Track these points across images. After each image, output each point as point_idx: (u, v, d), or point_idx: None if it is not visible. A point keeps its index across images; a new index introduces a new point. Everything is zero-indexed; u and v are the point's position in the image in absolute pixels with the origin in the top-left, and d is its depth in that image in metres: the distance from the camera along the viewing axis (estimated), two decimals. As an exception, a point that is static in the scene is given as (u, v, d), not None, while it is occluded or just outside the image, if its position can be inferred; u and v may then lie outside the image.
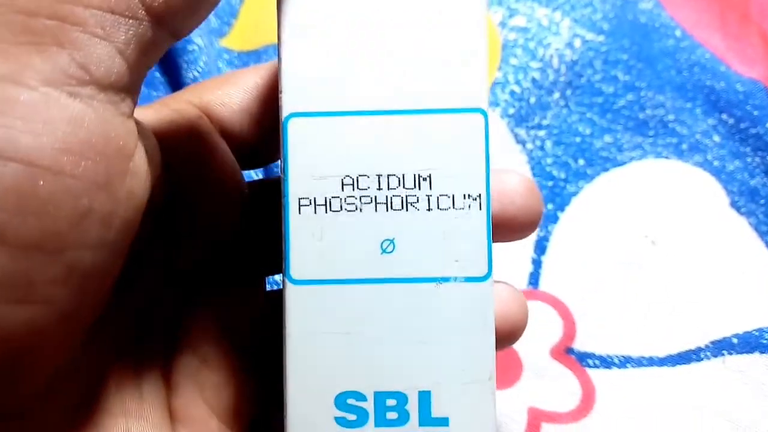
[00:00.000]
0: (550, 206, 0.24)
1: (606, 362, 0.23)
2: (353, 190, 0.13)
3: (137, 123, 0.12)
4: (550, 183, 0.25)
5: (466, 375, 0.13)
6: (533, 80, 0.26)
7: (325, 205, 0.13)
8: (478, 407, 0.13)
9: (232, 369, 0.15)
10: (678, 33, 0.26)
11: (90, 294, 0.12)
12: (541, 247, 0.24)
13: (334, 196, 0.13)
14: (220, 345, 0.15)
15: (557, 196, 0.25)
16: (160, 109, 0.15)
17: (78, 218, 0.10)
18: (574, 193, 0.25)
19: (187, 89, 0.16)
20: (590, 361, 0.23)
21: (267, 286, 0.18)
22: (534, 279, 0.24)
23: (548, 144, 0.25)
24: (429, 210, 0.13)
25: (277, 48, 0.13)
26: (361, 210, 0.13)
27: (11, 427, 0.12)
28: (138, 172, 0.11)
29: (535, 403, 0.22)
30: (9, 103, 0.10)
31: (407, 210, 0.13)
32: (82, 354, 0.13)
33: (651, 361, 0.23)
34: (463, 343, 0.13)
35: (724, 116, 0.25)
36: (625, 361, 0.23)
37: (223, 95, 0.16)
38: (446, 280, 0.13)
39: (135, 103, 0.12)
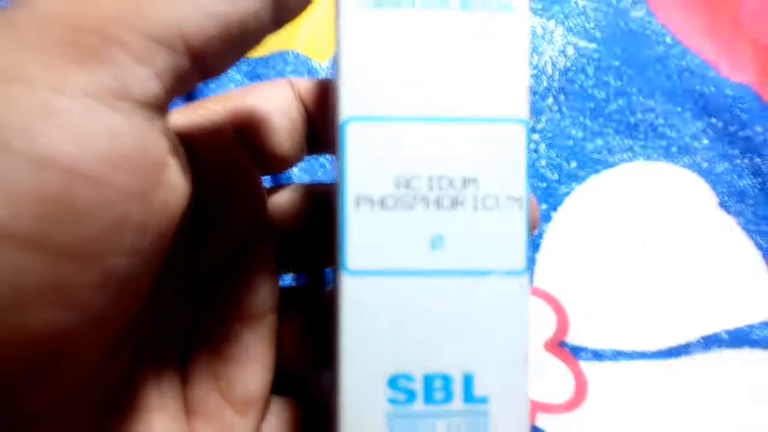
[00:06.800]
0: (543, 206, 0.25)
1: (598, 355, 0.23)
2: (406, 189, 0.13)
3: (170, 140, 0.12)
4: (544, 184, 0.25)
5: (504, 358, 0.14)
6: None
7: (380, 202, 0.13)
8: (514, 387, 0.14)
9: (246, 360, 0.16)
10: (668, 40, 0.27)
11: (122, 301, 0.12)
12: (535, 245, 0.24)
13: (388, 194, 0.13)
14: (234, 336, 0.16)
15: (551, 196, 0.25)
16: (188, 113, 0.16)
17: (114, 226, 0.10)
18: (567, 194, 0.25)
19: (211, 98, 0.17)
20: (583, 354, 0.23)
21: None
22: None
23: (542, 147, 0.25)
24: (475, 209, 0.14)
25: (336, 56, 0.14)
26: (412, 208, 0.13)
27: (40, 426, 0.12)
28: (172, 184, 0.12)
29: (530, 394, 0.23)
30: (51, 112, 0.10)
31: (455, 209, 0.13)
32: (110, 353, 0.13)
33: (642, 355, 0.23)
34: (502, 330, 0.14)
35: (713, 120, 0.26)
36: (617, 355, 0.23)
37: (245, 105, 0.16)
38: (490, 273, 0.14)
39: (165, 123, 0.12)
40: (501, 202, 0.14)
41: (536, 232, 0.25)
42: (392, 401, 0.13)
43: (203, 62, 0.12)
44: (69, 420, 0.13)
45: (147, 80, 0.11)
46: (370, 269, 0.13)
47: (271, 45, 0.26)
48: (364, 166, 0.13)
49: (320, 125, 0.17)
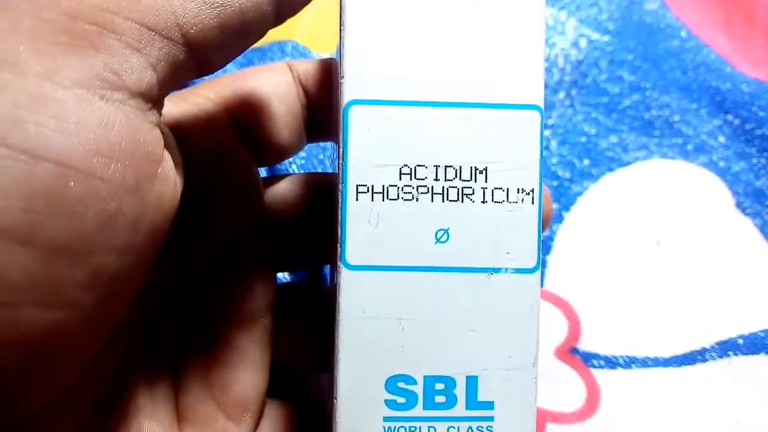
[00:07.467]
0: (555, 206, 0.24)
1: (611, 362, 0.23)
2: (411, 179, 0.13)
3: (164, 134, 0.12)
4: (555, 183, 0.25)
5: (511, 361, 0.13)
6: (538, 80, 0.26)
7: (383, 193, 0.13)
8: (521, 392, 0.13)
9: (240, 364, 0.15)
10: (683, 33, 0.26)
11: (114, 299, 0.12)
12: (546, 247, 0.24)
13: (391, 184, 0.13)
14: (228, 339, 0.15)
15: (562, 195, 0.25)
16: (179, 102, 0.15)
17: (107, 221, 0.10)
18: (579, 193, 0.25)
19: (203, 84, 0.16)
20: (595, 362, 0.23)
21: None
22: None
23: (553, 143, 0.25)
24: (483, 202, 0.13)
25: (339, 35, 0.13)
26: (417, 199, 0.13)
27: (33, 426, 0.12)
28: (167, 178, 0.12)
29: (539, 403, 0.22)
30: (43, 101, 0.10)
31: (462, 201, 0.13)
32: (100, 355, 0.13)
33: (656, 362, 0.23)
34: (510, 331, 0.13)
35: (730, 117, 0.25)
36: (630, 362, 0.23)
37: (240, 91, 0.16)
38: (497, 271, 0.13)
39: (160, 115, 0.12)
40: (511, 194, 0.13)
41: (547, 231, 0.24)
42: (390, 404, 0.13)
43: (200, 54, 0.11)
44: (62, 421, 0.13)
45: (141, 70, 0.11)
46: (371, 264, 0.13)
47: (269, 35, 0.26)
48: (367, 153, 0.13)
49: (322, 110, 0.17)
